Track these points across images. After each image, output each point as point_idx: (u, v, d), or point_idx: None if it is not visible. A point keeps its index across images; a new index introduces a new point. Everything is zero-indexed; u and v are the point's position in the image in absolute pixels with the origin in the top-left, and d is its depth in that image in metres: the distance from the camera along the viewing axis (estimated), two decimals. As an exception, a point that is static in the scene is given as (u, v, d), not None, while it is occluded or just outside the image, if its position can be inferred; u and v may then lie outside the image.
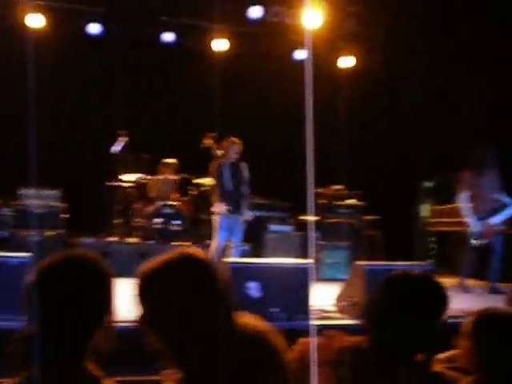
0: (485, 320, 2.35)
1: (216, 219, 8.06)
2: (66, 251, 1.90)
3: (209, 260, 1.89)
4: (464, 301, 6.37)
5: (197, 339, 1.77)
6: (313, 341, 2.15)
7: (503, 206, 7.72)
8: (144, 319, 1.82)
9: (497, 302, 6.40)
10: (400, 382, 2.02)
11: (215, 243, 7.97)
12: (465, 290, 7.77)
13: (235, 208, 8.06)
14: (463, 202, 7.79)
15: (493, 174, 7.73)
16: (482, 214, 7.68)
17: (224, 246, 8.01)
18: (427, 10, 10.55)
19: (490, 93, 10.90)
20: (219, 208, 7.98)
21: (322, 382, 1.98)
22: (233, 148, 8.21)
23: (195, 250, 1.91)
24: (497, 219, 7.65)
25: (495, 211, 7.68)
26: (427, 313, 2.14)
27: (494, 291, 7.66)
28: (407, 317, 2.11)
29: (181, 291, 1.79)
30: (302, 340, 2.24)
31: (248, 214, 8.19)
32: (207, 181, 10.05)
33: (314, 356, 2.01)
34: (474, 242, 7.65)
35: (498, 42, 10.00)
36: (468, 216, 7.71)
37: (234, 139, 8.29)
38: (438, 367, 2.15)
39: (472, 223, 7.66)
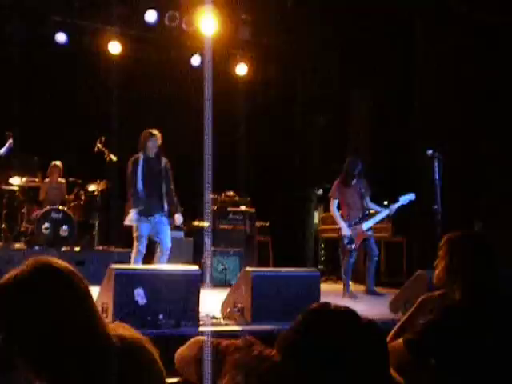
0: (457, 237, 2.84)
1: (134, 225, 7.21)
2: None
3: (67, 268, 1.75)
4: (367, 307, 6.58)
5: (63, 355, 1.67)
6: (206, 341, 2.14)
7: (372, 213, 8.21)
8: (4, 339, 1.68)
9: (380, 306, 6.68)
10: None
11: (134, 252, 7.27)
12: (350, 294, 7.98)
13: (154, 210, 7.22)
14: (333, 209, 8.20)
15: (360, 183, 8.17)
16: (352, 220, 8.06)
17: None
18: (320, 19, 10.86)
19: (378, 98, 11.33)
20: (129, 218, 7.15)
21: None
22: (150, 140, 7.25)
23: (51, 259, 1.76)
24: (366, 225, 8.05)
25: (364, 218, 8.11)
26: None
27: (371, 293, 8.09)
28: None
29: (37, 306, 1.66)
30: (196, 338, 2.22)
31: (177, 218, 7.54)
32: (99, 185, 9.89)
33: (208, 355, 2.02)
34: (347, 246, 8.00)
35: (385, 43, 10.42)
36: (339, 222, 8.10)
37: (151, 130, 7.29)
38: None
39: (342, 228, 8.03)
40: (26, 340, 1.67)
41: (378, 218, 8.17)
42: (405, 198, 7.94)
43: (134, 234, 7.23)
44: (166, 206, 7.33)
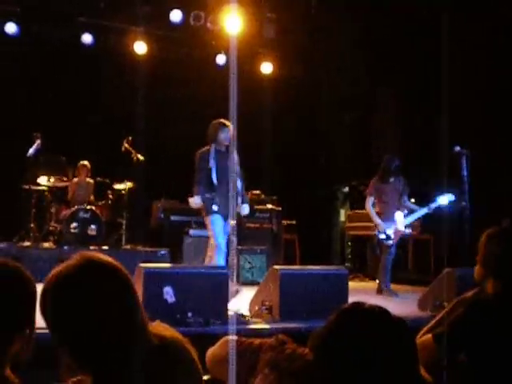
0: (491, 232, 2.86)
1: (209, 218, 6.70)
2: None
3: (112, 263, 1.77)
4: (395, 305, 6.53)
5: (106, 350, 1.70)
6: (232, 341, 2.15)
7: (409, 212, 8.09)
8: (50, 331, 1.73)
9: (409, 304, 6.65)
10: None
11: (213, 247, 6.63)
12: (391, 294, 7.87)
13: (225, 205, 6.64)
14: (369, 206, 8.09)
15: (398, 181, 8.07)
16: (388, 218, 7.95)
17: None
18: (345, 18, 10.82)
19: (401, 100, 11.27)
20: (209, 210, 6.62)
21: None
22: (222, 132, 6.67)
23: (96, 254, 1.78)
24: (404, 223, 7.97)
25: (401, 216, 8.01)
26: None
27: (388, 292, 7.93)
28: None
29: (83, 301, 1.69)
30: (227, 338, 2.24)
31: (244, 208, 6.96)
32: (126, 185, 9.97)
33: (233, 355, 2.03)
34: (385, 242, 7.92)
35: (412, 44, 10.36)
36: (375, 219, 8.00)
37: (222, 120, 6.66)
38: None
39: (379, 225, 7.93)
40: (71, 334, 1.69)
41: (416, 216, 8.08)
42: (443, 198, 7.73)
43: (211, 232, 6.68)
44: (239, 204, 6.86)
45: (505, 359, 2.51)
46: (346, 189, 12.41)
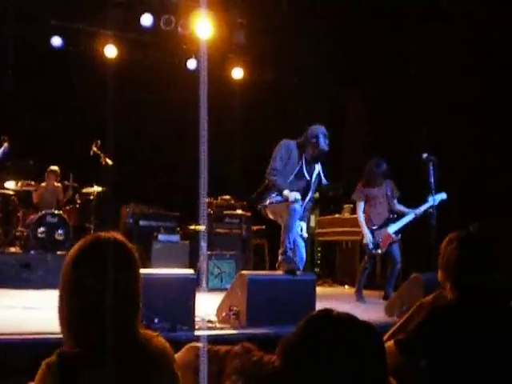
0: (449, 237, 2.88)
1: (283, 206, 6.26)
2: None
3: (126, 244, 1.96)
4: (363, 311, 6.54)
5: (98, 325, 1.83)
6: (202, 347, 2.15)
7: (399, 216, 7.83)
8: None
9: (376, 309, 6.68)
10: None
11: (287, 235, 6.15)
12: (361, 300, 7.83)
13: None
14: (360, 213, 7.87)
15: (386, 184, 7.87)
16: (377, 224, 7.77)
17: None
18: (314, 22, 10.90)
19: (370, 103, 11.37)
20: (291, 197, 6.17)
21: None
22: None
23: (113, 234, 1.96)
24: (393, 228, 7.75)
25: (390, 221, 7.80)
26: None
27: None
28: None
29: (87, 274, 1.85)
30: (192, 345, 2.24)
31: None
32: (94, 189, 9.89)
33: (204, 362, 2.04)
34: (373, 252, 7.73)
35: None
36: (362, 228, 7.79)
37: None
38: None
39: (365, 235, 7.74)
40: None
41: (405, 220, 7.77)
42: (435, 198, 7.33)
43: (287, 222, 6.18)
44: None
45: (466, 364, 2.53)
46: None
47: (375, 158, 7.94)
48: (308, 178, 6.51)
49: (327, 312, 1.77)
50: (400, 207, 7.91)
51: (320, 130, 6.54)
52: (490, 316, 2.65)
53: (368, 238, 7.70)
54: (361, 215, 7.87)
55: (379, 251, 7.75)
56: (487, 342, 2.56)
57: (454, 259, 2.77)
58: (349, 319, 1.75)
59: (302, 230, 6.47)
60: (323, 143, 6.45)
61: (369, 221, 7.82)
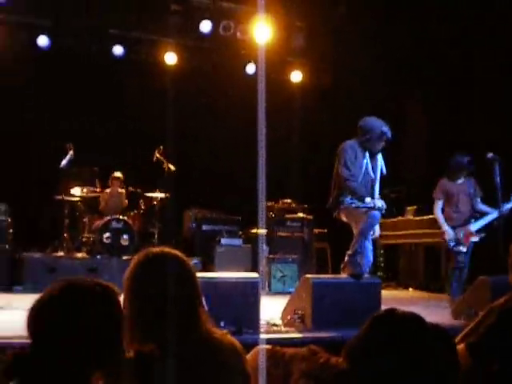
0: None
1: (362, 211, 6.25)
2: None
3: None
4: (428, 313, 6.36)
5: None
6: (262, 350, 2.16)
7: (481, 214, 7.44)
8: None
9: (442, 312, 6.57)
10: None
11: (360, 239, 6.16)
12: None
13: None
14: (437, 211, 7.53)
15: (467, 183, 7.50)
16: (459, 222, 7.39)
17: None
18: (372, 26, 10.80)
19: (433, 103, 11.19)
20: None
21: None
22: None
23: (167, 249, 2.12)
24: (475, 226, 7.36)
25: (473, 219, 7.41)
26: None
27: None
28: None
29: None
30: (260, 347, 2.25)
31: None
32: (158, 195, 10.03)
33: (263, 366, 2.04)
34: (455, 248, 7.30)
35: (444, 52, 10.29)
36: (442, 225, 7.40)
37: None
38: None
39: (446, 232, 7.34)
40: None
41: (489, 218, 7.32)
42: None
43: (364, 228, 6.19)
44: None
45: None
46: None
47: (459, 152, 7.50)
48: (373, 175, 6.46)
49: (391, 311, 1.76)
50: (483, 207, 7.47)
51: (376, 121, 6.47)
52: None
53: (450, 233, 7.30)
54: (439, 213, 7.48)
55: (461, 248, 7.29)
56: None
57: None
58: (414, 318, 1.73)
59: (374, 231, 6.42)
60: (389, 132, 6.37)
61: (450, 219, 7.42)
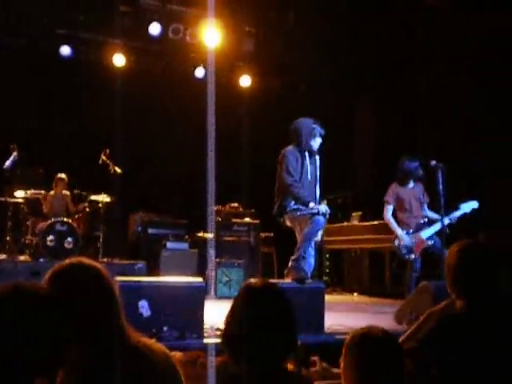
0: (453, 247, 2.81)
1: (306, 217, 6.37)
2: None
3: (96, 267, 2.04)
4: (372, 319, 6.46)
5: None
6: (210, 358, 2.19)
7: (431, 221, 7.46)
8: None
9: (385, 317, 6.65)
10: None
11: (304, 244, 6.29)
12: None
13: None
14: (388, 216, 7.51)
15: (416, 188, 7.55)
16: (412, 227, 7.43)
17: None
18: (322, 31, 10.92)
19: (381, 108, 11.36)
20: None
21: None
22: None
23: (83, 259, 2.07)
24: (426, 233, 7.37)
25: (422, 225, 7.44)
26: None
27: None
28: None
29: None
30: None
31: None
32: (103, 197, 9.91)
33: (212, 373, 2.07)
34: (406, 256, 7.32)
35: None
36: (396, 230, 7.40)
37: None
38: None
39: (400, 237, 7.35)
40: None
41: (438, 226, 7.20)
42: (467, 206, 7.16)
43: (309, 232, 6.32)
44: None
45: (475, 373, 2.53)
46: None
47: (408, 156, 7.53)
48: (314, 177, 6.57)
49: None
50: (430, 213, 7.53)
51: (304, 120, 6.66)
52: (499, 326, 2.64)
53: (405, 239, 7.29)
54: (390, 217, 7.46)
55: (412, 256, 7.29)
56: (496, 352, 2.55)
57: (454, 268, 2.75)
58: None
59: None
60: (319, 127, 6.56)
61: (403, 223, 7.44)
